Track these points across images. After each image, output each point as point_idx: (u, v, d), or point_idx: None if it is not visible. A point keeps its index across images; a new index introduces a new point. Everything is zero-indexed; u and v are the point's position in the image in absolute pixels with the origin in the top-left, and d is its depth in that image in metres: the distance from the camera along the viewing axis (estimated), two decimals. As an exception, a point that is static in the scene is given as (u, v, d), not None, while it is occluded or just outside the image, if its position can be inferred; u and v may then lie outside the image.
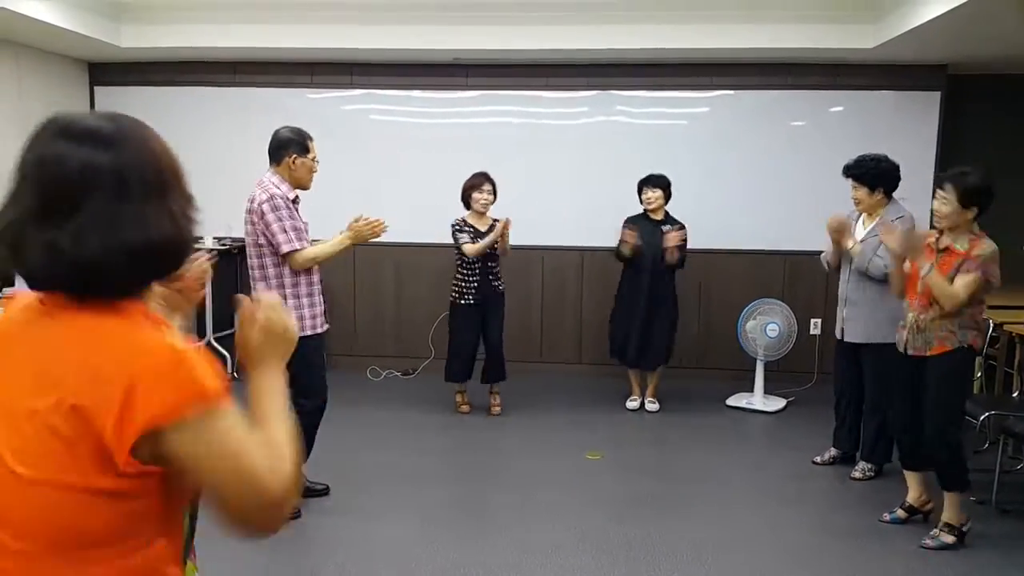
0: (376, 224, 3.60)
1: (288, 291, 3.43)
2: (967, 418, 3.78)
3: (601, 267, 5.86)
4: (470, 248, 4.83)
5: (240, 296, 1.26)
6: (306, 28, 5.43)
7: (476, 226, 4.92)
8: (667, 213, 5.12)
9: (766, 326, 5.33)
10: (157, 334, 1.04)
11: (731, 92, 5.95)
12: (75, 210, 1.00)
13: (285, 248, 3.38)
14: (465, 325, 4.99)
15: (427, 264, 6.11)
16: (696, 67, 5.82)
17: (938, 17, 4.25)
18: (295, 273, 3.45)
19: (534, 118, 6.08)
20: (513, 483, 4.01)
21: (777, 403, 5.41)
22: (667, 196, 5.09)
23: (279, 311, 1.22)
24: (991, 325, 4.20)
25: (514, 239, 4.96)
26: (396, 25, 5.38)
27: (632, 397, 5.36)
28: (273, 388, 1.18)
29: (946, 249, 3.21)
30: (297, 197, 3.55)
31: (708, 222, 5.50)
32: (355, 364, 6.17)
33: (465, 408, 5.14)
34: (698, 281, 5.87)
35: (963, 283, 3.11)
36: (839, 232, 3.93)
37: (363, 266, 6.28)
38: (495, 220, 4.94)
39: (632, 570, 3.12)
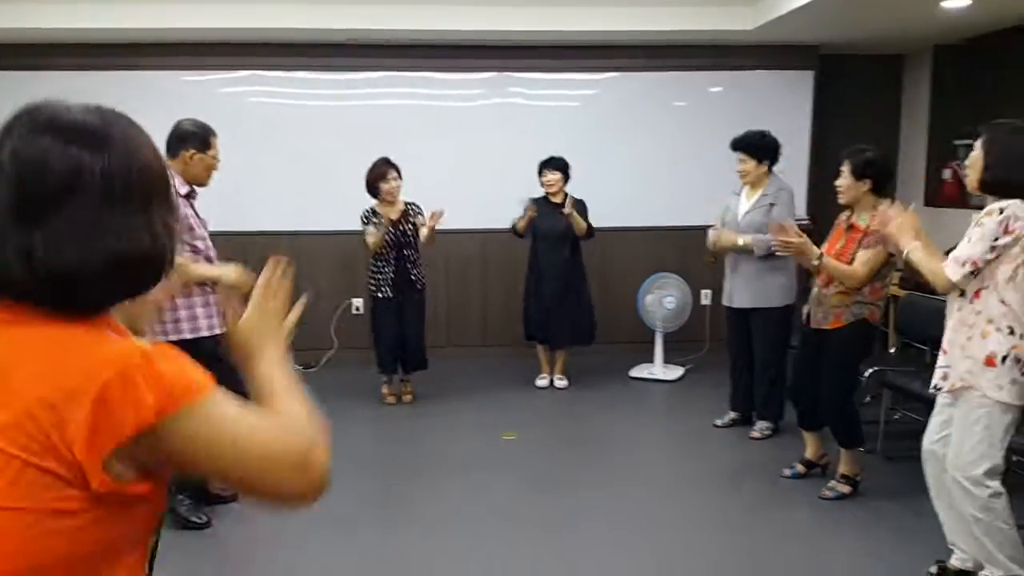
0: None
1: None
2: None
3: (503, 250, 5.91)
4: (371, 240, 4.75)
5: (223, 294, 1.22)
6: (182, 6, 5.13)
7: (387, 215, 4.82)
8: (567, 194, 5.22)
9: (663, 299, 5.56)
10: (123, 341, 0.99)
11: (619, 74, 6.11)
12: (54, 214, 0.92)
13: None
14: (385, 318, 4.91)
15: (326, 252, 5.96)
16: (586, 49, 5.93)
17: (810, 2, 4.52)
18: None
19: (430, 100, 6.02)
20: (432, 469, 4.01)
21: (676, 371, 5.66)
22: (566, 178, 5.19)
23: (264, 295, 1.19)
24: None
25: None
26: (284, 4, 5.19)
27: (542, 375, 5.46)
28: (273, 372, 1.14)
29: (852, 227, 3.43)
30: (191, 192, 3.37)
31: (604, 201, 5.62)
32: (253, 359, 5.96)
33: (391, 399, 5.06)
34: (598, 259, 6.03)
35: (862, 260, 3.31)
36: (722, 242, 4.23)
37: (256, 256, 5.96)
38: (409, 205, 4.87)
39: (555, 542, 3.20)
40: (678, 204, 6.06)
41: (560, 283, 5.17)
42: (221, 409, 0.98)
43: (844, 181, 3.41)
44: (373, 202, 4.88)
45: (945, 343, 2.67)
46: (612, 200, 5.88)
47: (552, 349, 5.42)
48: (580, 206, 5.14)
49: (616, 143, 6.10)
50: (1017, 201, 2.51)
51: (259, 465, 0.99)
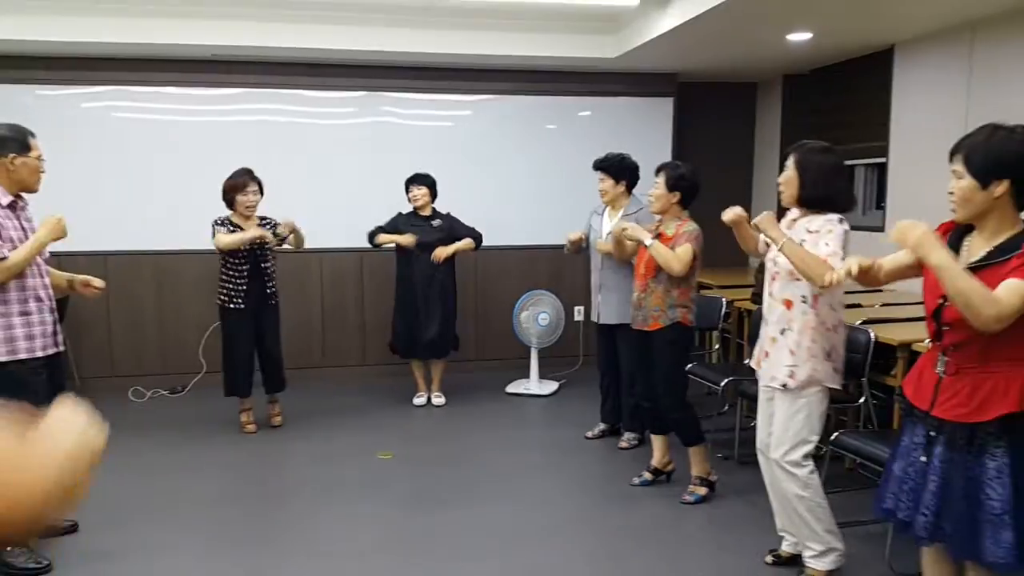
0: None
1: None
2: (711, 384, 4.38)
3: (380, 268, 5.90)
4: (222, 239, 4.49)
5: None
6: (39, 19, 4.87)
7: (242, 227, 4.64)
8: (435, 209, 5.29)
9: (538, 316, 5.70)
10: None
11: (492, 96, 6.24)
12: None
13: None
14: (239, 332, 4.69)
15: (191, 272, 5.76)
16: (459, 72, 6.03)
17: (667, 32, 4.80)
18: (3, 288, 2.99)
19: (301, 118, 5.96)
20: (305, 494, 3.93)
21: (551, 386, 5.80)
22: (433, 193, 5.25)
23: None
24: (724, 303, 4.85)
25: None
26: (145, 18, 5.00)
27: (419, 393, 5.46)
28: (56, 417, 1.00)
29: (660, 235, 3.71)
30: (14, 202, 3.09)
31: (478, 221, 5.71)
32: (114, 386, 5.67)
33: (251, 428, 4.82)
34: (474, 277, 6.11)
35: (681, 253, 3.59)
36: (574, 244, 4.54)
37: (116, 276, 5.73)
38: (265, 220, 4.72)
39: (431, 561, 3.22)
40: (550, 223, 6.20)
41: (430, 294, 5.21)
42: None
43: (658, 191, 3.68)
44: (228, 213, 4.68)
45: (788, 344, 2.88)
46: (486, 220, 5.96)
47: (423, 361, 5.44)
48: (450, 219, 5.26)
49: (490, 164, 6.22)
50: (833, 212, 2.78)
51: None
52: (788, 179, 2.86)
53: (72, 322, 5.63)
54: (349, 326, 6.20)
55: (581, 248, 4.57)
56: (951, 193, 2.09)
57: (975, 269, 2.05)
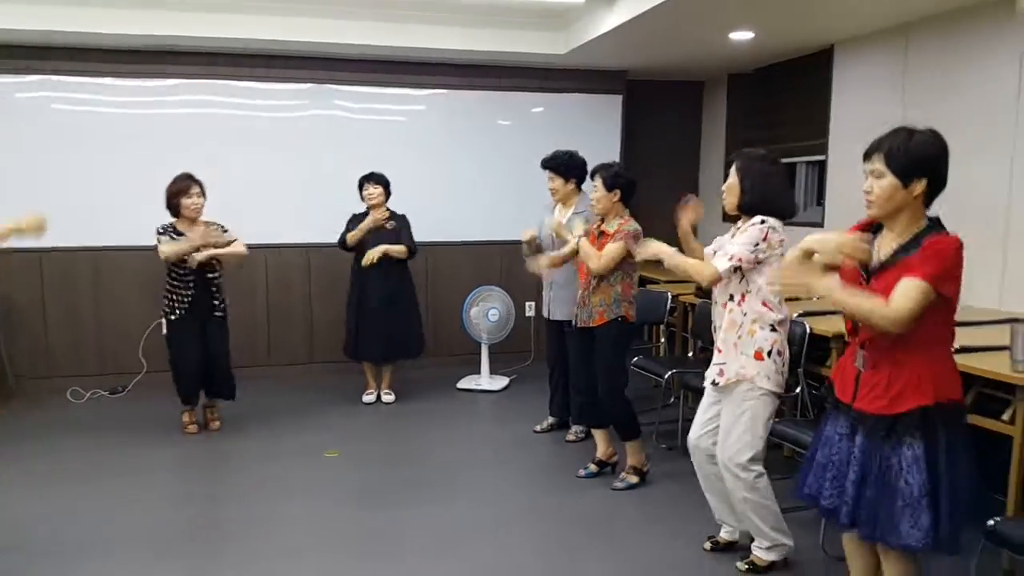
0: None
1: None
2: (655, 376, 4.44)
3: (328, 264, 5.83)
4: (165, 249, 4.38)
5: None
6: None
7: (187, 233, 4.48)
8: (389, 210, 5.24)
9: (488, 311, 5.70)
10: None
11: (445, 91, 6.22)
12: None
13: None
14: (184, 344, 4.54)
15: (131, 268, 5.63)
16: (411, 66, 6.00)
17: (613, 29, 4.85)
18: None
19: (247, 110, 5.86)
20: (251, 495, 3.86)
21: (502, 382, 5.82)
22: (387, 193, 5.21)
23: None
24: (669, 297, 4.92)
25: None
26: (85, 6, 4.87)
27: (368, 391, 5.42)
28: None
29: (603, 233, 3.78)
30: None
31: (429, 216, 5.72)
32: (52, 387, 5.52)
33: (192, 428, 4.73)
34: (424, 274, 6.09)
35: (607, 250, 3.67)
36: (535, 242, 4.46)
37: (53, 274, 5.61)
38: (210, 224, 4.57)
39: (379, 558, 3.20)
40: (501, 219, 6.24)
41: (386, 297, 5.16)
42: None
43: (597, 194, 3.74)
44: (173, 220, 4.54)
45: (719, 343, 2.97)
46: (437, 215, 5.97)
47: (378, 364, 5.40)
48: (403, 222, 5.19)
49: (442, 159, 6.21)
50: (773, 218, 2.84)
51: None
52: (730, 186, 2.93)
53: (6, 320, 5.48)
54: (296, 324, 6.12)
55: (540, 246, 4.54)
56: (867, 192, 2.15)
57: (886, 266, 2.12)
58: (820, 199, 5.62)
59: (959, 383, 2.16)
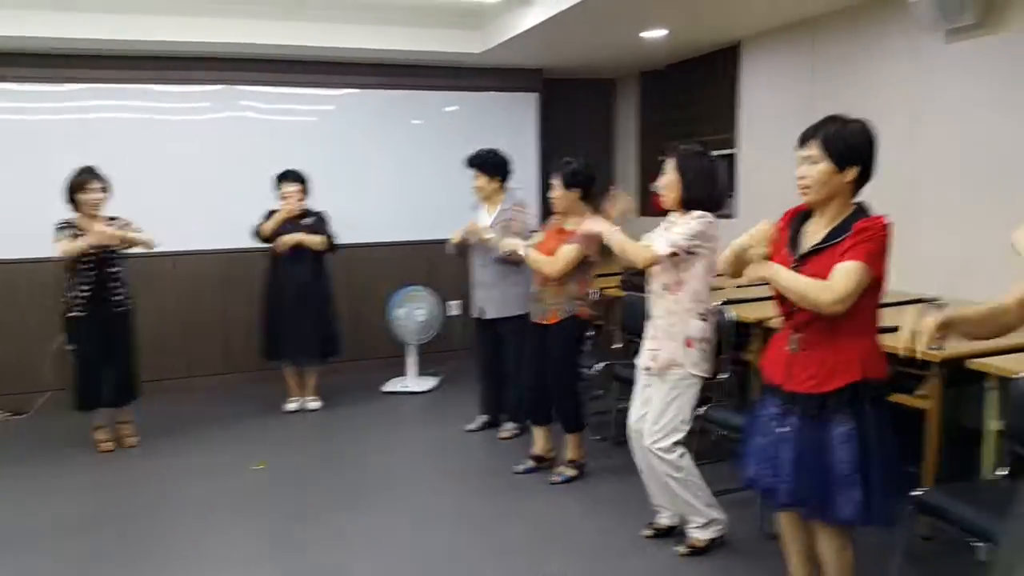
0: None
1: None
2: (584, 369, 4.49)
3: (245, 269, 5.63)
4: (64, 246, 4.15)
5: None
6: None
7: (87, 228, 4.25)
8: (307, 208, 5.12)
9: (413, 312, 5.65)
10: None
11: (357, 91, 6.12)
12: None
13: None
14: (84, 343, 4.33)
15: (29, 280, 5.31)
16: (321, 65, 5.88)
17: (530, 28, 4.88)
18: None
19: (152, 114, 5.61)
20: (174, 512, 3.69)
21: (430, 382, 5.77)
22: (305, 190, 5.09)
23: None
24: (598, 291, 4.98)
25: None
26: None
27: (291, 399, 5.28)
28: None
29: (561, 231, 3.78)
30: None
31: (347, 217, 5.58)
32: (-56, 411, 5.13)
33: (108, 446, 4.49)
34: (345, 276, 5.97)
35: (561, 253, 3.68)
36: (474, 235, 4.32)
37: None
38: (114, 219, 4.37)
39: (320, 570, 3.12)
40: (422, 219, 6.19)
41: (302, 297, 5.03)
42: None
43: (557, 193, 3.75)
44: (74, 216, 4.31)
45: (653, 329, 3.03)
46: (356, 216, 5.86)
47: (299, 367, 5.26)
48: (321, 217, 5.10)
49: (356, 159, 6.11)
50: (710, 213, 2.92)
51: None
52: (670, 182, 2.98)
53: None
54: (209, 332, 5.89)
55: (467, 246, 4.51)
56: (802, 178, 2.23)
57: (816, 252, 2.21)
58: (730, 190, 5.81)
59: (884, 362, 2.26)
